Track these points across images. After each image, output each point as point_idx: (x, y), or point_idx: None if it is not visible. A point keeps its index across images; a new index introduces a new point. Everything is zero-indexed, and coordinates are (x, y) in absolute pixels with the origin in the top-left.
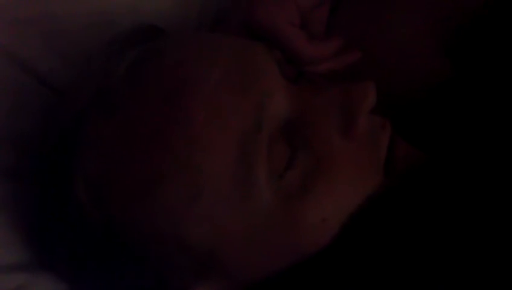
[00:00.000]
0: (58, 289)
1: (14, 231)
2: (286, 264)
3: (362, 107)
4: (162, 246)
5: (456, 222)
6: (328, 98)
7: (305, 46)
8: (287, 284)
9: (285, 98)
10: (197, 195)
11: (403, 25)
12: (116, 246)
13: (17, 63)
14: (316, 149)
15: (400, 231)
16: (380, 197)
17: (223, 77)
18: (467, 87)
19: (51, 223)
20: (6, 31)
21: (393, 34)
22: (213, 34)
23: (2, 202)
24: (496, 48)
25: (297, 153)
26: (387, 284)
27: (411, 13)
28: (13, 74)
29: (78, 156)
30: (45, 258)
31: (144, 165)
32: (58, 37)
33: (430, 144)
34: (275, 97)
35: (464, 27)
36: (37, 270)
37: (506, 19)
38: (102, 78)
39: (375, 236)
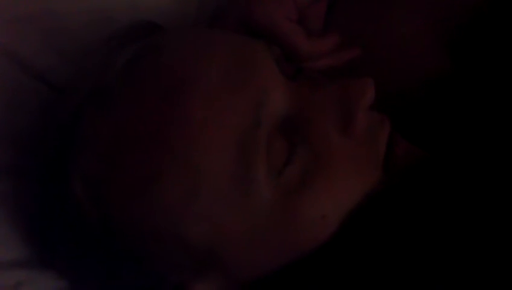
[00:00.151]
0: (58, 286)
1: (14, 228)
2: (285, 261)
3: (361, 103)
4: (161, 244)
5: (455, 220)
6: (326, 95)
7: (303, 42)
8: (285, 281)
9: (283, 94)
10: (196, 194)
11: (402, 24)
12: (114, 244)
13: (15, 60)
14: (314, 145)
15: (398, 229)
16: (379, 194)
17: (221, 75)
18: (467, 85)
19: (50, 220)
20: (4, 29)
21: (393, 32)
22: (211, 30)
23: (1, 199)
24: (496, 46)
25: (296, 149)
26: (385, 283)
27: (411, 12)
28: (12, 71)
29: (75, 154)
30: (44, 255)
31: (142, 164)
32: (56, 34)
33: (430, 142)
34: (273, 94)
35: (464, 25)
36: (37, 267)
37: (506, 16)
38: (100, 75)
39: (374, 234)
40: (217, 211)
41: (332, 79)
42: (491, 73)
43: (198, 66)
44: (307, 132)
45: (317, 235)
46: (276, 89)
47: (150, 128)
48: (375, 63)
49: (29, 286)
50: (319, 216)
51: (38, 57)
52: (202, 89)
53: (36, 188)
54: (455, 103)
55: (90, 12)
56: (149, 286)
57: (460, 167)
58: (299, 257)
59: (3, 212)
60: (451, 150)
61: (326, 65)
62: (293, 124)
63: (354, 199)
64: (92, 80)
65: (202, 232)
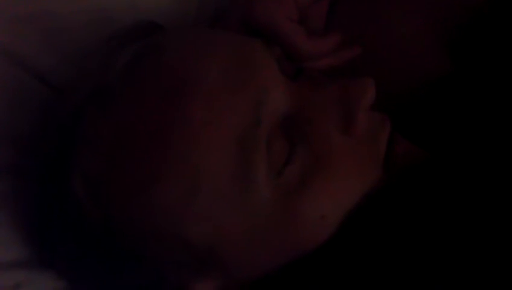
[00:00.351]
0: (57, 286)
1: (14, 228)
2: (285, 261)
3: (361, 103)
4: (161, 243)
5: (455, 220)
6: (327, 94)
7: (303, 41)
8: (285, 281)
9: (283, 94)
10: (196, 193)
11: (402, 24)
12: (114, 244)
13: (16, 61)
14: (314, 145)
15: (398, 229)
16: (379, 194)
17: (221, 75)
18: (467, 85)
19: (50, 220)
20: (5, 29)
21: (393, 32)
22: (211, 30)
23: (2, 199)
24: (496, 45)
25: (296, 149)
26: (385, 282)
27: (411, 12)
28: (12, 71)
29: (76, 154)
30: (44, 255)
31: (142, 163)
32: (57, 35)
33: (430, 142)
34: (273, 93)
35: (464, 25)
36: (36, 267)
37: (506, 16)
38: (100, 75)
39: (374, 233)
40: (217, 210)
41: (333, 79)
42: (491, 73)
43: (199, 66)
44: (307, 131)
45: (317, 235)
46: (276, 89)
47: (150, 128)
48: (375, 63)
49: (29, 287)
50: (318, 216)
51: (38, 57)
52: (202, 89)
53: (36, 188)
54: (455, 102)
55: (90, 12)
56: (149, 285)
57: (460, 166)
58: (298, 256)
59: (3, 212)
60: (451, 150)
61: (327, 65)
62: (293, 123)
63: (353, 199)
64: (93, 79)
65: (202, 232)
